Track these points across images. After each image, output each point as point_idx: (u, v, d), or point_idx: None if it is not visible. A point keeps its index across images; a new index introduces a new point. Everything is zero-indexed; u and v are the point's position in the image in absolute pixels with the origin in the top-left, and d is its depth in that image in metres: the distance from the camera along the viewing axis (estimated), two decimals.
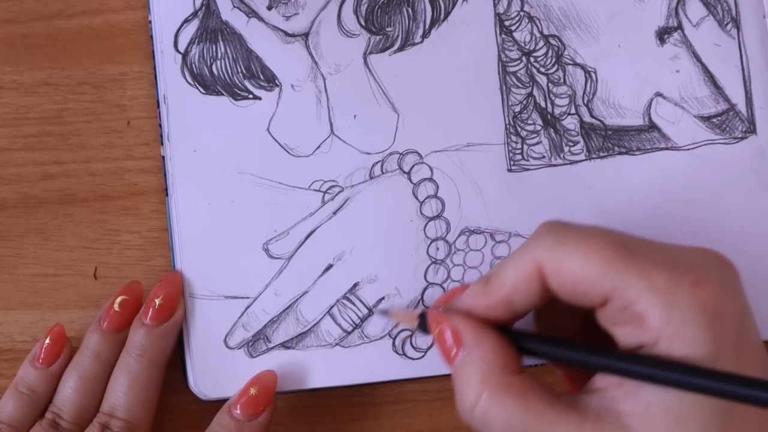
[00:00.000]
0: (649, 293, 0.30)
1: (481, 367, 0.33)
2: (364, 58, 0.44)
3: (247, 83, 0.44)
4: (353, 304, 0.43)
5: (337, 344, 0.43)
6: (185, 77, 0.44)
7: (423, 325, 0.37)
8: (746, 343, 0.31)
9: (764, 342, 0.33)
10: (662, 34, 0.44)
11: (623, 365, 0.31)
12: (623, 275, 0.31)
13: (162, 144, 0.44)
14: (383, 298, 0.43)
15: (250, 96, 0.44)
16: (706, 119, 0.43)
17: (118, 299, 0.42)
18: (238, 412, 0.41)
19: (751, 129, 0.43)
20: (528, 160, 0.43)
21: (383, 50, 0.44)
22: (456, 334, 0.34)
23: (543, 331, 0.38)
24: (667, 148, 0.43)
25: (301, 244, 0.43)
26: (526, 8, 0.44)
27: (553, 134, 0.43)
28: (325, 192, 0.43)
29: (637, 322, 0.31)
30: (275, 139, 0.44)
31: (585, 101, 0.43)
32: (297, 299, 0.43)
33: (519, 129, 0.43)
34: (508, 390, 0.32)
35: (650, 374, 0.30)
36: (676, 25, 0.43)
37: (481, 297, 0.34)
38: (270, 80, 0.44)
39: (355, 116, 0.44)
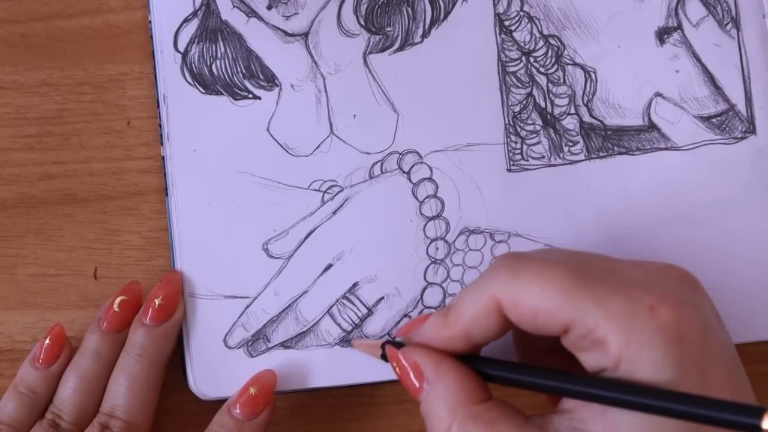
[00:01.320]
0: (606, 320, 0.30)
1: (447, 400, 0.33)
2: (364, 58, 0.44)
3: (246, 83, 0.44)
4: (353, 303, 0.43)
5: (336, 344, 0.43)
6: (185, 77, 0.44)
7: (386, 356, 0.37)
8: (711, 358, 0.31)
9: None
10: (662, 34, 0.43)
11: (584, 389, 0.31)
12: (581, 304, 0.31)
13: (162, 144, 0.44)
14: (383, 297, 0.43)
15: (250, 96, 0.44)
16: (706, 119, 0.43)
17: (118, 299, 0.42)
18: (238, 411, 0.41)
19: (751, 129, 0.43)
20: (527, 160, 0.43)
21: (383, 50, 0.44)
22: (416, 368, 0.34)
23: (522, 347, 0.38)
24: (666, 148, 0.43)
25: (301, 244, 0.43)
26: (526, 8, 0.44)
27: (552, 134, 0.43)
28: (324, 192, 0.43)
29: (598, 347, 0.31)
30: (275, 139, 0.44)
31: (585, 101, 0.43)
32: (297, 299, 0.43)
33: (518, 129, 0.43)
34: (476, 420, 0.32)
35: (612, 398, 0.30)
36: (675, 25, 0.43)
37: (440, 330, 0.34)
38: (270, 80, 0.44)
39: (354, 116, 0.44)
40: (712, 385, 0.31)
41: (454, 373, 0.34)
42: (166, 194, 0.44)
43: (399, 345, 0.37)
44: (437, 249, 0.43)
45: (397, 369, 0.35)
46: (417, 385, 0.34)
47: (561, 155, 0.43)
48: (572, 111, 0.43)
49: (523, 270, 0.32)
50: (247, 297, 0.43)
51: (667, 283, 0.33)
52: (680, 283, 0.33)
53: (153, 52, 0.44)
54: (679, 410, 0.29)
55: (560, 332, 0.32)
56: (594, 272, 0.32)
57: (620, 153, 0.43)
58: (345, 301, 0.43)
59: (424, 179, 0.43)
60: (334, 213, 0.43)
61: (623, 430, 0.30)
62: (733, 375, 0.32)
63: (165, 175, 0.44)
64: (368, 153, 0.44)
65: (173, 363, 0.43)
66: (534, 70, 0.44)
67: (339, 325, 0.43)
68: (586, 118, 0.43)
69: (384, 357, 0.38)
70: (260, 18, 0.44)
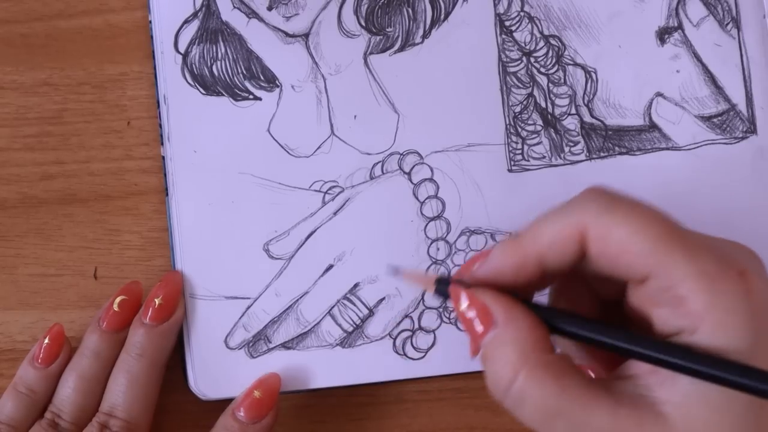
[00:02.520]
0: (695, 277, 0.29)
1: (518, 345, 0.31)
2: (365, 59, 0.44)
3: (247, 84, 0.44)
4: (354, 304, 0.43)
5: (337, 344, 0.43)
6: (185, 78, 0.44)
7: (441, 291, 0.33)
8: None
9: None
10: (662, 34, 0.44)
11: (660, 355, 0.30)
12: (671, 255, 0.30)
13: (162, 144, 0.44)
14: (384, 298, 0.43)
15: (251, 96, 0.44)
16: (707, 119, 0.43)
17: (118, 299, 0.42)
18: (242, 414, 0.41)
19: (752, 129, 0.43)
20: (528, 161, 0.43)
21: (383, 51, 0.44)
22: (485, 311, 0.32)
23: (560, 293, 0.36)
24: (667, 148, 0.43)
25: (302, 245, 0.43)
26: (527, 8, 0.44)
27: (553, 134, 0.43)
28: (325, 192, 0.43)
29: (677, 304, 0.30)
30: (276, 140, 0.44)
31: (585, 101, 0.43)
32: (297, 300, 0.43)
33: (519, 129, 0.43)
34: (546, 369, 0.31)
35: (688, 367, 0.29)
36: (676, 25, 0.44)
37: (511, 253, 0.32)
38: (270, 81, 0.44)
39: (355, 117, 0.44)
40: None
41: (525, 319, 0.31)
42: (167, 194, 0.44)
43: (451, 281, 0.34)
44: (438, 249, 0.43)
45: (463, 309, 0.32)
46: (482, 329, 0.32)
47: (562, 155, 0.43)
48: (573, 111, 0.43)
49: (618, 206, 0.31)
50: (248, 298, 0.43)
51: (748, 257, 0.32)
52: (755, 260, 0.33)
53: (153, 52, 0.44)
54: (755, 387, 0.29)
55: (638, 279, 0.31)
56: (685, 230, 0.31)
57: (621, 153, 0.43)
58: (346, 302, 0.43)
59: (425, 180, 0.43)
60: (335, 214, 0.43)
61: (693, 398, 0.29)
62: None
63: (165, 175, 0.44)
64: (369, 154, 0.44)
65: (173, 363, 0.43)
66: (535, 71, 0.44)
67: (340, 325, 0.43)
68: (587, 118, 0.43)
69: (439, 292, 0.33)
70: (261, 19, 0.44)
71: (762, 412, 0.30)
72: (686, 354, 0.30)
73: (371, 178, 0.43)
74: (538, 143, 0.43)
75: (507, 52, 0.44)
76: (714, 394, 0.29)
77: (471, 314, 0.32)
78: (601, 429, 0.30)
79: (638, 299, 0.32)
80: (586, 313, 0.35)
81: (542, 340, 0.31)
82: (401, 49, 0.44)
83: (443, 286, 0.33)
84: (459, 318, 0.33)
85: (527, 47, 0.44)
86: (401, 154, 0.43)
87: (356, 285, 0.43)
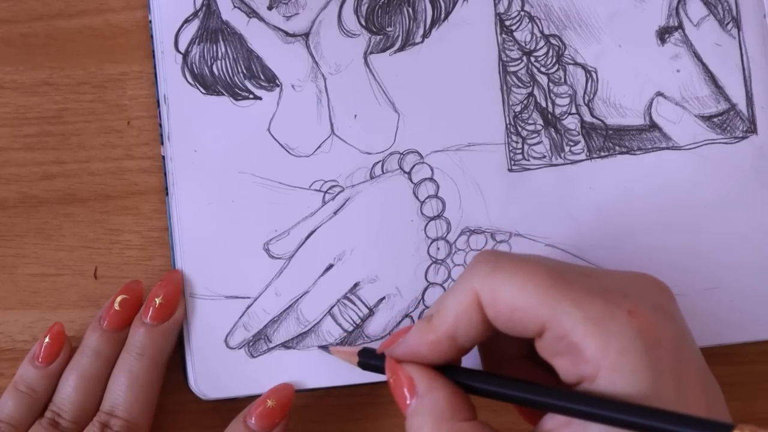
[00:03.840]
0: (584, 322, 0.30)
1: (433, 415, 0.33)
2: (365, 58, 0.44)
3: (247, 83, 0.44)
4: (354, 304, 0.43)
5: (337, 345, 0.43)
6: (186, 77, 0.44)
7: (363, 364, 0.37)
8: (685, 366, 0.31)
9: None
10: (663, 34, 0.44)
11: (567, 404, 0.31)
12: (559, 304, 0.31)
13: (162, 144, 0.44)
14: (384, 298, 0.43)
15: (251, 96, 0.44)
16: (707, 119, 0.43)
17: (118, 298, 0.42)
18: (253, 422, 0.41)
19: (752, 129, 0.43)
20: (529, 160, 0.43)
21: (384, 50, 0.44)
22: (410, 382, 0.34)
23: (489, 362, 0.38)
24: (667, 148, 0.43)
25: (302, 244, 0.43)
26: (527, 8, 0.44)
27: (553, 134, 0.43)
28: (325, 192, 0.43)
29: (574, 352, 0.31)
30: (276, 139, 0.44)
31: (586, 101, 0.43)
32: (298, 299, 0.43)
33: (520, 129, 0.43)
34: None
35: (593, 413, 0.30)
36: (676, 24, 0.44)
37: (425, 334, 0.34)
38: (270, 80, 0.44)
39: (355, 116, 0.44)
40: (687, 392, 0.30)
41: (443, 389, 0.34)
42: (167, 194, 0.44)
43: (375, 354, 0.37)
44: (438, 249, 0.43)
45: (392, 380, 0.35)
46: (408, 398, 0.34)
47: (562, 155, 0.43)
48: (573, 111, 0.43)
49: (503, 265, 0.32)
50: (248, 297, 0.43)
51: (642, 290, 0.32)
52: (655, 290, 0.33)
53: (153, 52, 0.44)
54: (656, 427, 0.29)
55: (536, 333, 0.32)
56: (572, 275, 0.32)
57: (621, 152, 0.43)
58: (346, 302, 0.43)
59: (425, 179, 0.43)
60: (335, 213, 0.43)
61: None
62: (705, 382, 0.32)
63: (165, 175, 0.44)
64: (369, 153, 0.44)
65: (173, 363, 0.43)
66: (535, 70, 0.44)
67: (340, 325, 0.43)
68: (587, 118, 0.43)
69: (361, 365, 0.38)
70: (261, 18, 0.44)
71: None
72: (587, 401, 0.30)
73: (371, 177, 0.43)
74: (538, 143, 0.43)
75: (507, 52, 0.44)
76: None
77: (399, 384, 0.34)
78: None
79: (542, 351, 0.32)
80: (519, 359, 0.36)
81: (460, 408, 0.33)
82: (401, 48, 0.44)
83: (366, 359, 0.37)
84: (390, 388, 0.35)
85: (527, 47, 0.44)
86: (401, 154, 0.43)
87: (356, 284, 0.43)
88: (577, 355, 0.30)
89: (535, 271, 0.31)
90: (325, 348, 0.43)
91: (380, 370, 0.36)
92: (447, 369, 0.35)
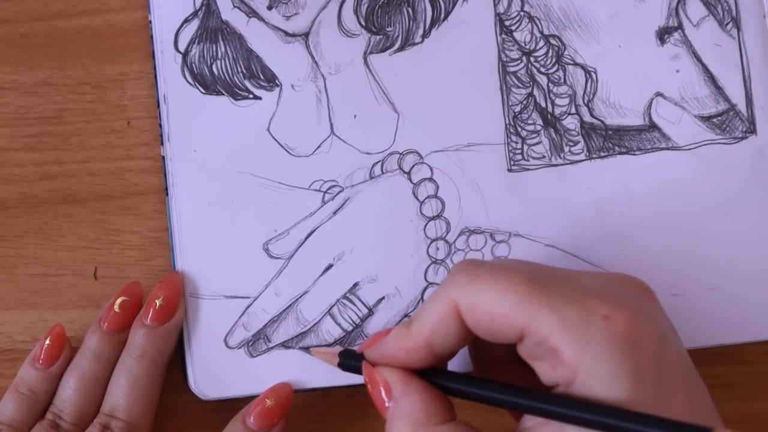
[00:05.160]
0: (560, 329, 0.30)
1: (410, 418, 0.33)
2: (365, 58, 0.44)
3: (247, 83, 0.44)
4: (353, 304, 0.43)
5: (337, 344, 0.43)
6: (185, 77, 0.44)
7: (343, 365, 0.38)
8: (668, 367, 0.31)
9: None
10: (662, 34, 0.44)
11: (543, 406, 0.31)
12: (536, 310, 0.31)
13: (162, 144, 0.44)
14: (383, 298, 0.43)
15: (251, 96, 0.44)
16: (707, 119, 0.43)
17: (118, 300, 0.42)
18: (252, 421, 0.41)
19: (752, 129, 0.43)
20: (528, 160, 0.43)
21: (383, 50, 0.44)
22: (386, 386, 0.34)
23: (480, 366, 0.38)
24: (667, 148, 0.43)
25: (302, 244, 0.43)
26: (527, 8, 0.44)
27: (553, 134, 0.43)
28: (325, 192, 0.43)
29: (553, 356, 0.31)
30: (275, 139, 0.44)
31: (585, 101, 0.43)
32: (297, 299, 0.43)
33: (519, 129, 0.43)
34: None
35: (568, 415, 0.30)
36: (676, 25, 0.43)
37: (403, 340, 0.34)
38: (270, 80, 0.44)
39: (355, 116, 0.44)
40: (669, 394, 0.30)
41: (420, 393, 0.34)
42: (167, 194, 0.44)
43: (356, 356, 0.37)
44: (438, 249, 0.43)
45: (369, 385, 0.35)
46: (386, 402, 0.34)
47: (562, 155, 0.43)
48: (573, 111, 0.43)
49: (481, 274, 0.32)
50: (248, 297, 0.43)
51: (621, 293, 0.32)
52: (635, 292, 0.33)
53: (153, 52, 0.44)
54: (631, 429, 0.29)
55: (516, 339, 0.32)
56: (550, 280, 0.32)
57: (621, 153, 0.43)
58: (345, 301, 0.43)
59: (425, 179, 0.43)
60: (335, 213, 0.43)
61: None
62: (690, 384, 0.32)
63: (165, 175, 0.44)
64: (369, 153, 0.44)
65: (174, 363, 0.43)
66: (534, 70, 0.44)
67: (339, 325, 0.43)
68: (587, 118, 0.43)
69: (342, 366, 0.38)
70: (261, 18, 0.44)
71: None
72: (561, 403, 0.30)
73: (371, 177, 0.43)
74: (538, 143, 0.43)
75: (507, 52, 0.44)
76: None
77: (378, 388, 0.35)
78: None
79: (524, 355, 0.32)
80: (509, 358, 0.36)
81: (437, 410, 0.34)
82: (401, 48, 0.44)
83: (346, 360, 0.38)
84: (368, 392, 0.35)
85: (527, 47, 0.44)
86: (401, 154, 0.43)
87: (356, 284, 0.43)
88: (556, 360, 0.31)
89: (514, 278, 0.32)
90: (305, 349, 0.43)
91: (360, 371, 0.37)
92: (425, 371, 0.35)
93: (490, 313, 0.32)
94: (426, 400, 0.34)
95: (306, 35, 0.44)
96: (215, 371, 0.43)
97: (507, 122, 0.43)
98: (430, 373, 0.35)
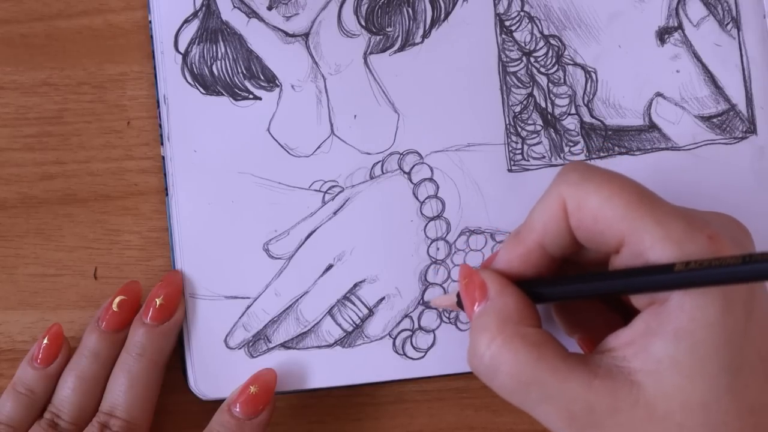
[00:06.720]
0: (663, 242, 0.30)
1: (500, 315, 0.33)
2: (365, 59, 0.44)
3: (247, 83, 0.44)
4: (353, 304, 0.43)
5: (337, 344, 0.43)
6: (185, 77, 0.44)
7: (461, 304, 0.37)
8: (756, 300, 0.31)
9: None
10: (662, 34, 0.44)
11: (644, 278, 0.30)
12: (641, 220, 0.31)
13: (162, 144, 0.44)
14: (384, 298, 0.43)
15: (251, 96, 0.44)
16: (707, 119, 0.43)
17: (117, 299, 0.42)
18: (238, 410, 0.41)
19: (752, 129, 0.43)
20: (528, 160, 0.43)
21: (383, 50, 0.44)
22: (482, 286, 0.34)
23: (567, 326, 0.38)
24: (667, 148, 0.43)
25: (302, 245, 0.43)
26: (527, 8, 0.44)
27: (553, 134, 0.43)
28: (325, 192, 0.43)
29: None
30: (275, 140, 0.44)
31: (585, 101, 0.43)
32: (297, 299, 0.43)
33: (519, 129, 0.43)
34: (523, 339, 0.32)
35: (664, 282, 0.30)
36: (676, 25, 0.44)
37: (515, 248, 0.34)
38: (270, 80, 0.44)
39: (355, 116, 0.44)
40: (754, 326, 0.30)
41: (515, 296, 0.34)
42: (167, 194, 0.44)
43: None
44: (438, 249, 0.43)
45: (464, 283, 0.35)
46: (476, 304, 0.34)
47: (562, 155, 0.43)
48: (573, 111, 0.43)
49: (592, 176, 0.32)
50: (248, 297, 0.43)
51: (726, 225, 0.33)
52: (738, 229, 0.33)
53: (153, 52, 0.44)
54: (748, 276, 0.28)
55: (614, 247, 0.32)
56: (658, 197, 0.32)
57: (621, 153, 0.43)
58: (346, 302, 0.43)
59: (425, 179, 0.43)
60: (335, 213, 0.43)
61: (665, 365, 0.30)
62: None
63: (165, 175, 0.44)
64: (369, 153, 0.44)
65: (173, 363, 0.43)
66: (534, 71, 0.44)
67: (340, 325, 0.43)
68: (587, 118, 0.43)
69: (459, 305, 0.37)
70: (261, 18, 0.44)
71: (734, 379, 0.30)
72: (669, 269, 0.30)
73: (371, 177, 0.43)
74: (537, 143, 0.43)
75: (507, 52, 0.44)
76: (686, 360, 0.30)
77: (470, 289, 0.35)
78: (575, 398, 0.31)
79: (617, 268, 0.32)
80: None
81: (528, 315, 0.33)
82: (401, 48, 0.44)
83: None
84: (461, 291, 0.36)
85: (527, 47, 0.44)
86: (401, 154, 0.43)
87: (356, 285, 0.43)
88: None
89: (624, 185, 0.32)
90: (428, 305, 0.43)
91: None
92: (521, 282, 0.35)
93: (594, 214, 0.31)
94: (519, 303, 0.34)
95: (306, 35, 0.44)
96: (215, 372, 0.43)
97: (507, 122, 0.43)
98: (526, 284, 0.35)
